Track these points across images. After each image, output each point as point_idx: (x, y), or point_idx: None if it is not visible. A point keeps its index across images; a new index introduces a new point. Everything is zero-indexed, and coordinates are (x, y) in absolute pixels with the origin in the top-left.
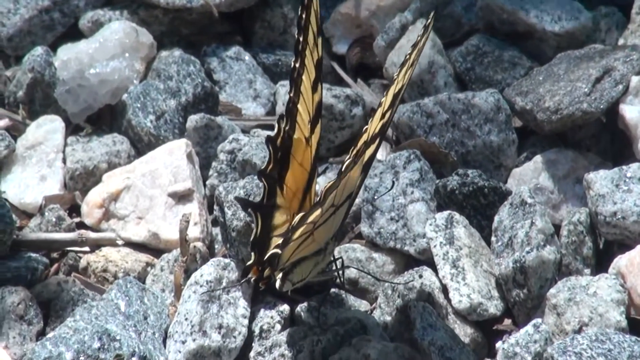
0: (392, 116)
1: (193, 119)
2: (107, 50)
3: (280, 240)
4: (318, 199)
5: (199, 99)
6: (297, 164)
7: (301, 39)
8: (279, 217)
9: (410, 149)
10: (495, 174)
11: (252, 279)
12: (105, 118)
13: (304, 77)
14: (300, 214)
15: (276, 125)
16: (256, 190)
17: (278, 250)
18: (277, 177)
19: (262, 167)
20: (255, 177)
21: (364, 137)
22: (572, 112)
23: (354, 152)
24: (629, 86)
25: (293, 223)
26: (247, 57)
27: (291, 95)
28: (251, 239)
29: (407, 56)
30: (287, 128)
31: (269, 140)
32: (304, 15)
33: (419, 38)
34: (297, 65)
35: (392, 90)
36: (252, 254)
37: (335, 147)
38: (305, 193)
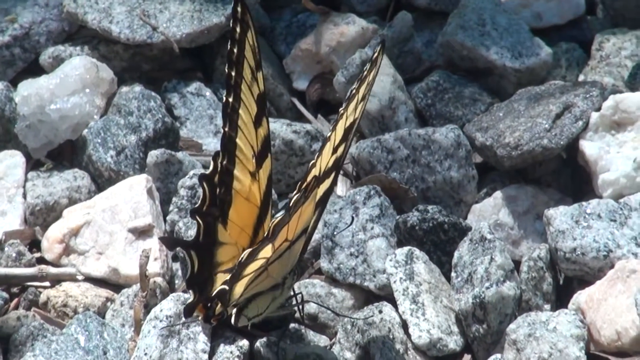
0: (346, 151)
1: (154, 155)
2: (68, 86)
3: (227, 276)
4: (267, 234)
5: (159, 134)
6: (241, 199)
7: (233, 73)
8: (224, 254)
9: (370, 184)
10: (455, 210)
11: (200, 318)
12: (66, 153)
13: (241, 112)
14: (248, 250)
15: (212, 162)
16: None
17: (225, 287)
18: (218, 214)
19: (197, 206)
20: None
21: (314, 172)
22: (532, 148)
23: (303, 186)
24: (589, 122)
25: (241, 259)
26: (207, 92)
27: (226, 129)
28: (187, 277)
29: (354, 90)
30: (224, 163)
31: (203, 178)
32: (235, 50)
33: (367, 72)
34: (231, 99)
35: (342, 125)
36: (191, 292)
37: (295, 183)
38: (257, 228)
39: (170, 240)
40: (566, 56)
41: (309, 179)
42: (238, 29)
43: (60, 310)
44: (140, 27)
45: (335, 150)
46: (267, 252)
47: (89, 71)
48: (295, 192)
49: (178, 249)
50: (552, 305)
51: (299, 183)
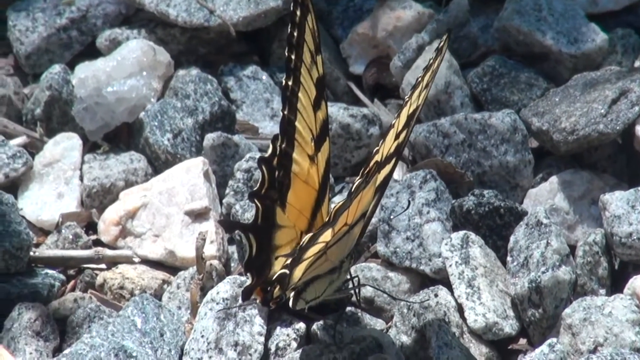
0: (408, 136)
1: (210, 138)
2: (125, 69)
3: (287, 261)
4: (328, 219)
5: (216, 117)
6: (300, 182)
7: (293, 56)
8: (282, 237)
9: (426, 168)
10: (511, 195)
11: (258, 301)
12: (122, 136)
13: (300, 95)
14: (309, 235)
15: (270, 146)
16: None
17: (286, 271)
18: (277, 197)
19: (255, 189)
20: None
21: (376, 158)
22: (588, 133)
23: (365, 171)
24: None
25: (302, 243)
26: (264, 76)
27: (285, 113)
28: (245, 260)
29: (420, 78)
30: (283, 146)
31: (262, 161)
32: (295, 33)
33: (432, 61)
34: (290, 83)
35: (406, 112)
36: (249, 275)
37: (352, 167)
38: (315, 211)
39: (229, 223)
40: (622, 42)
41: (371, 164)
42: (298, 12)
43: (117, 292)
44: (198, 11)
45: (397, 136)
46: (327, 236)
47: (145, 54)
48: (358, 177)
49: (235, 231)
50: (608, 290)
51: (362, 168)
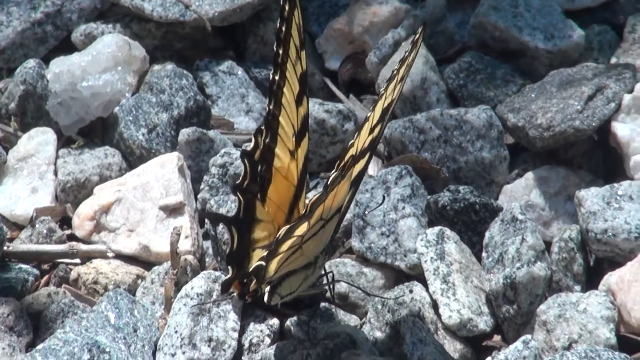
0: (382, 131)
1: (185, 133)
2: (100, 63)
3: (263, 253)
4: (305, 211)
5: (191, 112)
6: (281, 177)
7: (281, 51)
8: (260, 231)
9: (402, 164)
10: (487, 191)
11: (236, 294)
12: (97, 131)
13: (285, 90)
14: (286, 227)
15: (253, 139)
16: None
17: (262, 263)
18: (257, 191)
19: (238, 182)
20: None
21: (351, 152)
22: (564, 130)
23: (341, 165)
24: (621, 104)
25: (278, 236)
26: (239, 71)
27: (270, 107)
28: (226, 253)
29: (395, 71)
30: (267, 140)
31: (245, 155)
32: (283, 28)
33: (407, 54)
34: (277, 77)
35: (380, 105)
36: (230, 268)
37: (326, 162)
38: (292, 207)
39: (214, 216)
40: (598, 38)
41: (346, 158)
42: (287, 7)
43: (91, 287)
44: (173, 5)
45: (372, 130)
46: (302, 229)
47: (121, 49)
48: (333, 170)
49: (216, 225)
50: (583, 286)
51: (337, 162)
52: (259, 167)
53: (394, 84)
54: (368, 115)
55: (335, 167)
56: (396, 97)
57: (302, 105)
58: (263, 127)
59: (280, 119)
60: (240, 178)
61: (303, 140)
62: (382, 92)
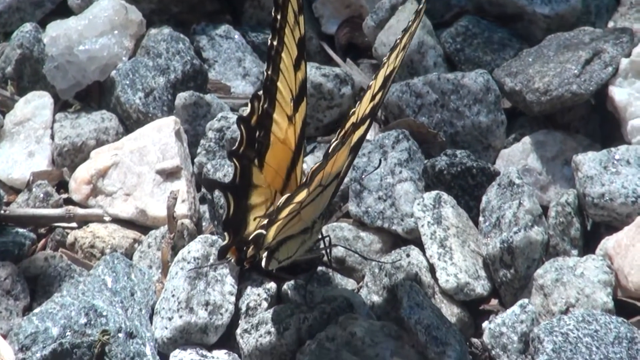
0: (383, 98)
1: (182, 97)
2: (96, 27)
3: (263, 221)
4: (305, 180)
5: (188, 76)
6: (279, 143)
7: (279, 17)
8: (257, 197)
9: (399, 128)
10: (484, 155)
11: (233, 261)
12: (93, 95)
13: (283, 55)
14: (286, 196)
15: (249, 105)
16: None
17: (263, 231)
18: (254, 156)
19: (234, 148)
20: None
21: (352, 119)
22: (561, 94)
23: (341, 133)
24: (618, 68)
25: (278, 204)
26: (236, 35)
27: (269, 73)
28: (223, 219)
29: (398, 40)
30: (265, 106)
31: (241, 120)
32: None
33: (410, 23)
34: (275, 43)
35: (383, 73)
36: (226, 234)
37: (323, 127)
38: (289, 172)
39: (210, 182)
40: (595, 2)
41: (347, 125)
42: None
43: (88, 251)
44: None
45: (373, 97)
46: (302, 196)
47: (117, 13)
48: (334, 138)
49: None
50: (580, 250)
51: (338, 130)
52: (257, 133)
53: (397, 52)
54: (370, 83)
55: (336, 135)
56: (398, 65)
57: (300, 70)
58: (260, 93)
59: (279, 84)
60: (237, 144)
61: (301, 105)
62: (385, 60)
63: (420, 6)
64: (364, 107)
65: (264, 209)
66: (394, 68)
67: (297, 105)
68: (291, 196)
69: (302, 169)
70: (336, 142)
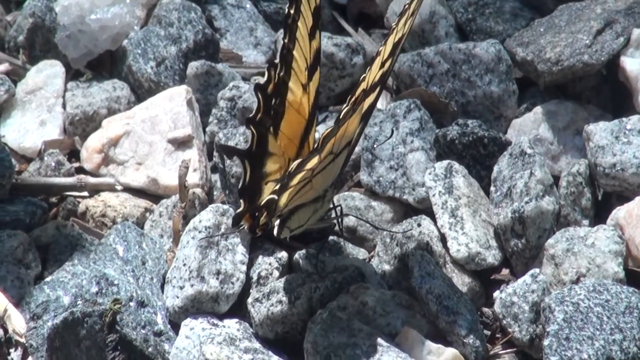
0: (393, 65)
1: (193, 66)
2: None
3: (275, 186)
4: (316, 145)
5: (199, 46)
6: (293, 111)
7: None
8: (272, 165)
9: (410, 98)
10: (495, 125)
11: (246, 228)
12: (105, 64)
13: (299, 24)
14: (298, 161)
15: (266, 73)
16: None
17: (274, 196)
18: (270, 124)
19: (251, 115)
20: None
21: (362, 86)
22: (572, 64)
23: (352, 100)
24: (630, 39)
25: (290, 169)
26: (248, 5)
27: (285, 41)
28: (239, 186)
29: (406, 6)
30: (281, 74)
31: (258, 88)
32: None
33: None
34: (292, 11)
35: (392, 40)
36: (242, 201)
37: (335, 96)
38: (302, 140)
39: (228, 148)
40: None
41: (357, 92)
42: None
43: (99, 220)
44: None
45: (383, 64)
46: (313, 163)
47: None
48: (345, 105)
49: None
50: (591, 220)
51: (349, 96)
52: (273, 101)
53: (405, 18)
54: (379, 49)
55: (347, 101)
56: (407, 31)
57: (314, 39)
58: (277, 61)
59: (294, 52)
60: (254, 111)
61: (315, 74)
62: (394, 26)
63: None
64: (373, 74)
65: (278, 177)
66: (402, 35)
67: (311, 74)
68: (303, 162)
69: (314, 137)
70: (347, 108)
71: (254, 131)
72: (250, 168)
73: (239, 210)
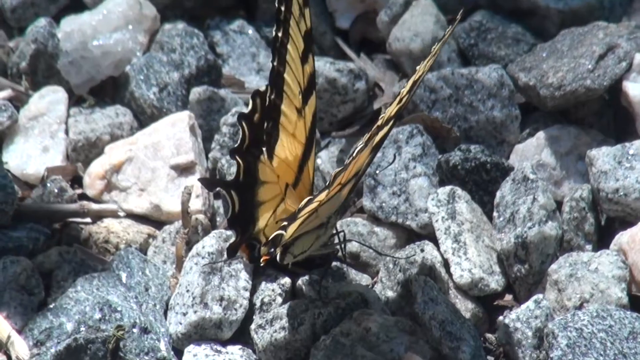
0: (409, 100)
1: (196, 92)
2: (111, 22)
3: (269, 215)
4: (327, 183)
5: (202, 71)
6: (288, 135)
7: (283, 8)
8: (266, 193)
9: (413, 123)
10: (498, 150)
11: (244, 259)
12: (108, 90)
13: (289, 47)
14: (308, 198)
15: (250, 102)
16: None
17: (282, 232)
18: (260, 152)
19: (237, 146)
20: None
21: (378, 123)
22: (575, 89)
23: (367, 137)
24: (632, 63)
25: (300, 206)
26: (250, 30)
27: (275, 64)
28: (228, 217)
29: (434, 49)
30: (272, 97)
31: (242, 118)
32: None
33: (446, 31)
34: (280, 34)
35: (413, 79)
36: (234, 232)
37: (337, 122)
38: (301, 165)
39: (210, 181)
40: None
41: (372, 129)
42: None
43: (102, 246)
44: None
45: (400, 100)
46: (321, 197)
47: (132, 8)
48: (361, 144)
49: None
50: (594, 245)
51: (367, 137)
52: (265, 125)
53: (428, 58)
54: (401, 89)
55: (364, 141)
56: (427, 69)
57: (307, 64)
58: (263, 88)
59: (285, 76)
60: (239, 141)
61: (310, 98)
62: (418, 67)
63: (458, 16)
64: (391, 109)
65: (274, 204)
66: (422, 72)
67: (307, 98)
68: (311, 200)
69: (314, 164)
70: (361, 146)
71: (240, 161)
72: (240, 198)
73: (231, 242)
